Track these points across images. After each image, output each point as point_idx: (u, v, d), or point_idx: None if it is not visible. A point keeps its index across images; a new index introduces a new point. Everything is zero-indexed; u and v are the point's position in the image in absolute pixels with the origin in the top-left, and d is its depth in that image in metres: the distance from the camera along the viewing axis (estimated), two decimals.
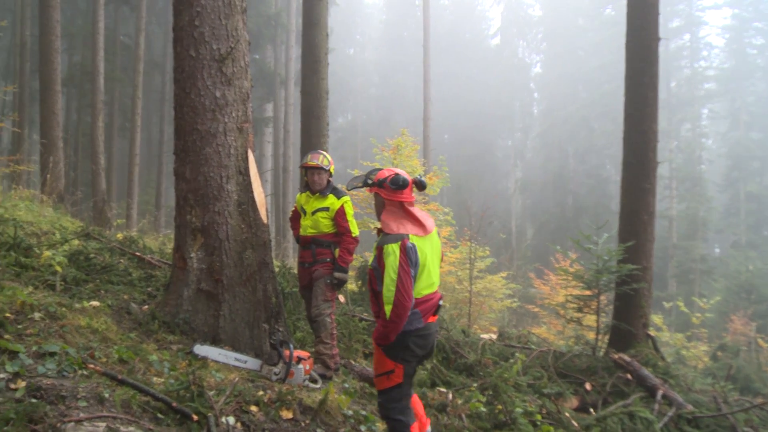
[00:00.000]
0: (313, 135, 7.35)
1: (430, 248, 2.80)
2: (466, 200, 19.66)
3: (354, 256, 4.99)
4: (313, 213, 4.27)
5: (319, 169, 4.24)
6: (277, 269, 6.18)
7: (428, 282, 2.76)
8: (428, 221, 2.90)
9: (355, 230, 4.26)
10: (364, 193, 3.50)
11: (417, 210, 2.90)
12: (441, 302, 2.88)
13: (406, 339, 2.69)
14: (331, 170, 4.35)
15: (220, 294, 3.95)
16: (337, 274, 4.19)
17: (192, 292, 3.94)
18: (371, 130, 39.90)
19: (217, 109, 3.98)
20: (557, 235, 31.65)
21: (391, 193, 2.79)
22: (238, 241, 4.07)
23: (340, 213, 4.21)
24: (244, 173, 4.18)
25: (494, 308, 13.47)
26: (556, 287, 14.14)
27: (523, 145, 43.19)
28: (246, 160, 4.21)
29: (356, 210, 10.84)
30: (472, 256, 12.39)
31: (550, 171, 37.32)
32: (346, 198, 4.28)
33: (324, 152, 4.40)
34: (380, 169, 2.98)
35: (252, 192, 4.22)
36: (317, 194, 4.29)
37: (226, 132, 4.02)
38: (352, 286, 8.24)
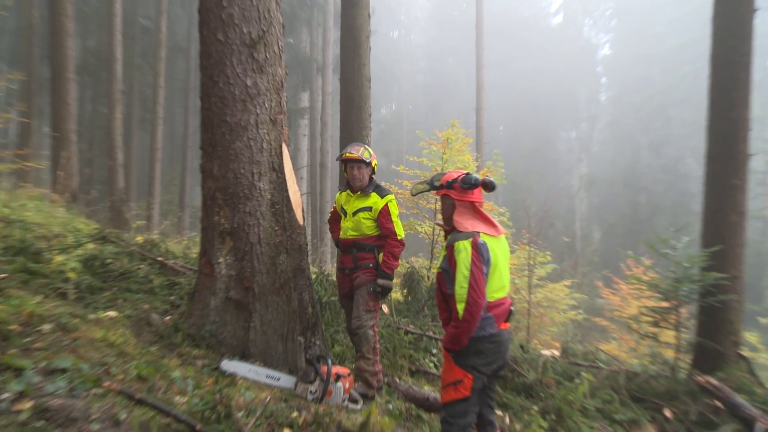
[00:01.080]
0: (353, 127, 7.36)
1: (501, 250, 2.98)
2: (524, 199, 19.29)
3: (400, 261, 4.91)
4: (354, 213, 4.26)
5: (360, 162, 4.24)
6: (314, 276, 6.20)
7: (500, 284, 2.93)
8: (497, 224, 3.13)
9: (401, 232, 4.24)
10: (410, 193, 3.53)
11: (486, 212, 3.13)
12: (512, 308, 3.04)
13: (478, 344, 2.84)
14: (374, 165, 4.34)
15: (251, 303, 3.94)
16: (380, 281, 4.15)
17: (220, 301, 3.94)
18: (418, 122, 39.86)
19: (248, 99, 3.98)
20: (628, 238, 30.76)
21: (462, 194, 3.01)
22: (271, 244, 4.07)
23: (384, 213, 4.19)
24: (278, 170, 4.18)
25: (556, 321, 13.28)
26: (627, 298, 13.92)
27: (588, 138, 42.16)
28: (280, 155, 4.20)
29: (401, 210, 10.80)
30: (531, 262, 12.18)
31: (620, 166, 36.26)
32: (391, 197, 4.26)
33: (365, 145, 4.40)
34: (444, 173, 3.18)
35: (287, 190, 4.23)
36: (358, 193, 4.29)
37: (258, 124, 4.02)
38: (397, 294, 8.22)
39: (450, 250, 2.88)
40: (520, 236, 13.55)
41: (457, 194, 3.01)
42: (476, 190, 3.03)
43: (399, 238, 4.21)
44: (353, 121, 7.40)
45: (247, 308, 3.94)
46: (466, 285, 2.71)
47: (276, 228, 4.11)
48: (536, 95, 40.73)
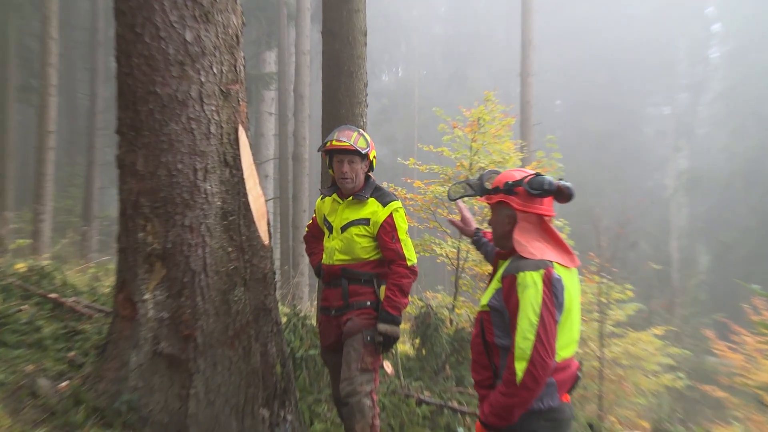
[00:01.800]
0: (341, 102, 7.32)
1: (575, 288, 3.01)
2: (591, 207, 19.29)
3: (410, 297, 4.92)
4: (344, 228, 4.29)
5: (352, 153, 4.25)
6: (284, 319, 6.23)
7: (569, 338, 2.94)
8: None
9: (412, 256, 4.26)
10: (448, 197, 3.55)
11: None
12: (580, 373, 3.09)
13: (531, 422, 2.84)
14: (372, 158, 4.37)
15: (192, 360, 3.95)
16: (382, 327, 4.15)
17: (144, 357, 3.94)
18: (435, 95, 39.79)
19: (187, 61, 3.99)
20: (753, 265, 30.78)
21: (527, 202, 3.02)
22: (223, 273, 4.10)
23: (388, 228, 4.22)
24: (233, 164, 4.23)
25: (643, 388, 13.24)
26: (755, 356, 13.80)
27: (691, 115, 41.95)
28: (235, 143, 4.26)
29: (411, 224, 10.75)
30: (604, 300, 12.16)
31: (740, 157, 35.94)
32: (397, 204, 4.30)
33: (360, 129, 4.38)
34: (497, 171, 3.24)
35: (245, 195, 4.28)
36: (350, 198, 4.32)
37: (202, 98, 4.04)
38: (406, 347, 8.25)
39: (509, 282, 2.86)
40: (585, 261, 13.49)
41: (520, 203, 3.02)
42: (547, 199, 3.04)
43: (409, 264, 4.22)
44: (342, 94, 7.36)
45: (185, 367, 3.94)
46: (532, 336, 2.70)
47: (229, 249, 4.14)
48: (612, 52, 40.74)
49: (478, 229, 3.96)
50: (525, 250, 2.91)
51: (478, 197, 3.29)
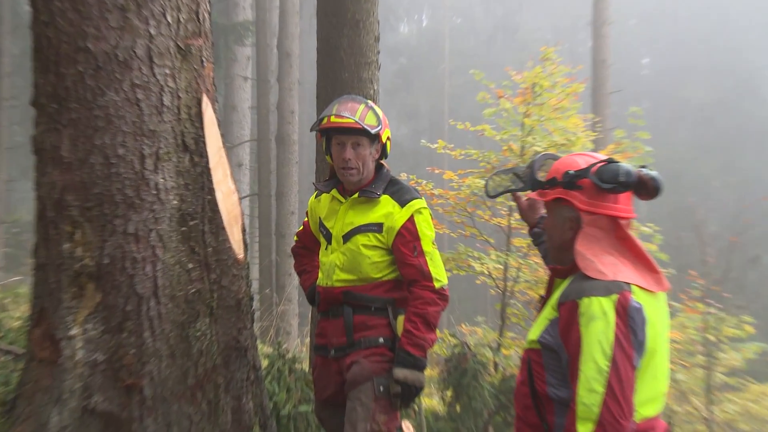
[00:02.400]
0: (344, 63, 7.33)
1: (661, 321, 2.89)
2: (692, 207, 19.20)
3: (439, 331, 4.91)
4: (348, 237, 4.28)
5: (358, 133, 4.21)
6: (264, 362, 6.23)
7: (654, 390, 2.82)
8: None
9: (441, 274, 4.24)
10: (486, 193, 3.50)
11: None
12: None
13: None
14: (385, 140, 4.35)
15: (136, 420, 3.94)
16: (400, 373, 4.08)
17: (71, 416, 3.90)
18: (472, 52, 39.85)
19: (131, 6, 3.99)
20: None
21: (596, 200, 2.91)
22: (180, 299, 4.14)
23: (408, 236, 4.18)
24: (194, 150, 4.30)
25: None
26: None
27: None
28: (198, 120, 4.35)
29: (439, 229, 10.75)
30: (712, 337, 12.06)
31: None
32: (420, 203, 4.29)
33: (368, 101, 4.39)
34: (552, 156, 3.21)
35: (211, 191, 4.35)
36: (355, 195, 4.31)
37: (152, 57, 4.08)
38: (433, 401, 8.20)
39: (569, 311, 2.78)
40: (684, 283, 13.49)
41: (586, 200, 2.92)
42: (624, 196, 2.93)
43: (437, 286, 4.17)
44: (344, 52, 7.34)
45: (127, 430, 3.94)
46: (600, 388, 2.59)
47: (190, 266, 4.19)
48: None
49: (543, 217, 3.86)
50: (591, 267, 2.80)
51: (527, 193, 3.22)
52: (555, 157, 3.15)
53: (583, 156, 3.03)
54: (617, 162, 2.88)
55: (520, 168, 3.24)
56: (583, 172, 2.89)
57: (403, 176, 9.00)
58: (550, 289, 3.12)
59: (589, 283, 2.74)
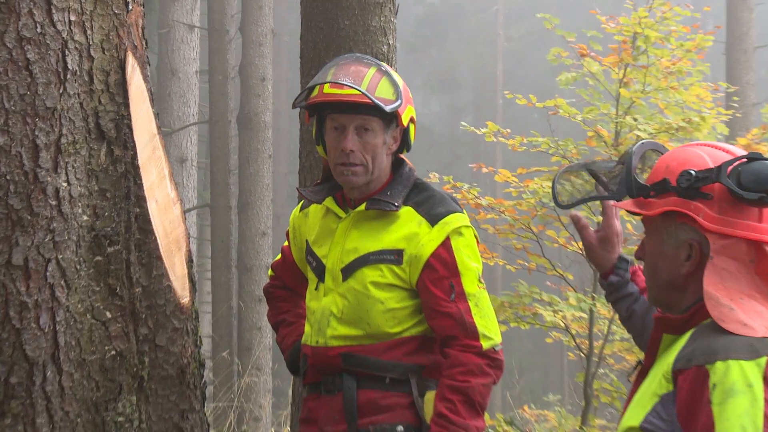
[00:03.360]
0: (342, 4, 7.35)
1: None
2: None
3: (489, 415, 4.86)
4: (350, 270, 4.00)
5: (366, 111, 3.90)
6: None
7: None
8: None
9: (492, 328, 3.97)
10: (558, 203, 3.44)
11: None
12: None
13: None
14: (407, 121, 4.02)
15: None
16: None
17: None
18: None
19: None
20: None
21: (731, 215, 2.61)
22: (93, 366, 3.78)
23: (442, 269, 3.88)
24: (114, 137, 3.93)
25: None
26: None
27: None
28: (121, 91, 3.95)
29: (488, 258, 10.73)
30: None
31: None
32: (459, 219, 3.96)
33: (381, 63, 4.09)
34: (656, 146, 3.01)
35: (141, 201, 3.98)
36: (362, 208, 3.97)
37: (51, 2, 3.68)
38: None
39: (692, 382, 2.43)
40: None
41: (715, 216, 2.57)
42: None
43: (486, 345, 3.88)
44: None
45: None
46: None
47: (108, 315, 3.83)
48: None
49: (623, 259, 3.51)
50: (730, 317, 2.49)
51: (620, 203, 2.83)
52: (664, 149, 2.84)
53: (710, 148, 2.72)
54: (765, 158, 2.56)
55: (606, 163, 2.92)
56: (711, 174, 2.60)
57: (433, 177, 9.05)
58: (654, 350, 2.80)
59: (725, 340, 2.48)
